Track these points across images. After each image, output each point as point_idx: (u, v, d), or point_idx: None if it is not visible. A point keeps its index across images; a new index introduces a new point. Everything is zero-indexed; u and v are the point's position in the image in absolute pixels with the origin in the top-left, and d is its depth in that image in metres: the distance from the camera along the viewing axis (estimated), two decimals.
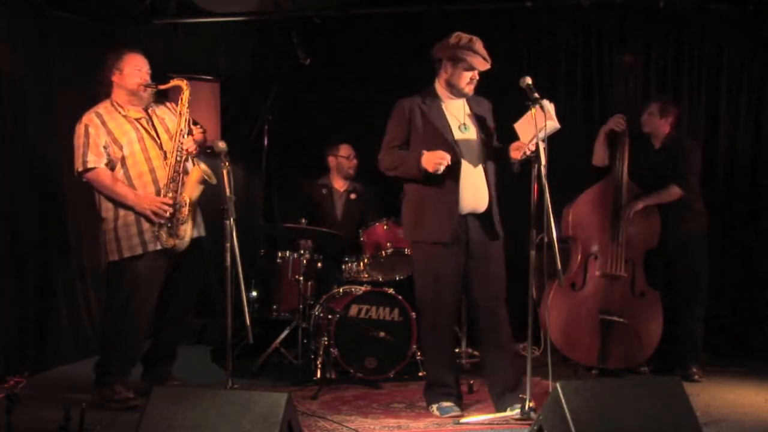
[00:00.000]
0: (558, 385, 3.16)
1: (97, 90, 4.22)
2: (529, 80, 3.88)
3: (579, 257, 4.94)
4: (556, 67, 5.96)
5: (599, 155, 5.05)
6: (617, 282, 4.86)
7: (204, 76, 5.90)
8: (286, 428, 3.07)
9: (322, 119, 6.18)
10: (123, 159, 4.10)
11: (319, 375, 4.71)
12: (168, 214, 4.07)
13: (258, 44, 6.29)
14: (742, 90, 5.77)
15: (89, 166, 4.06)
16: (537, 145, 3.74)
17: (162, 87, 4.25)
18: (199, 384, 4.58)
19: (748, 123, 5.76)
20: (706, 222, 4.99)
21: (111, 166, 4.10)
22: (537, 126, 3.75)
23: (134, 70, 4.14)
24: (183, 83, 4.21)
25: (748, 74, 5.75)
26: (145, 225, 4.08)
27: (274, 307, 5.35)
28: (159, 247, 4.10)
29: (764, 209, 5.68)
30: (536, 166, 3.74)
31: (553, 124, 3.80)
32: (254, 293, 5.54)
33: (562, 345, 4.87)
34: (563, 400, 3.11)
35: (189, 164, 4.20)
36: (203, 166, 4.19)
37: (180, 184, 4.13)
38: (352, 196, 5.75)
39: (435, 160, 3.87)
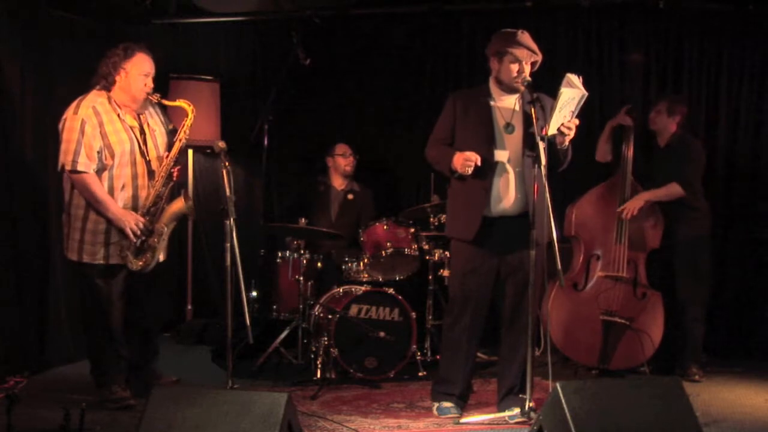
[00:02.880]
0: (558, 385, 3.16)
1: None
2: (529, 79, 3.89)
3: (581, 257, 4.94)
4: (556, 67, 5.95)
5: (602, 151, 5.06)
6: (619, 283, 4.85)
7: (204, 76, 5.90)
8: (286, 428, 3.07)
9: (322, 119, 6.18)
10: (111, 167, 4.00)
11: (319, 375, 4.71)
12: (143, 237, 4.00)
13: (258, 44, 6.28)
14: (742, 90, 5.76)
15: (79, 168, 3.94)
16: (537, 145, 3.74)
17: (167, 103, 4.16)
18: (199, 384, 4.59)
19: (748, 123, 5.76)
20: (709, 223, 4.99)
21: (99, 172, 4.00)
22: (537, 125, 3.76)
23: (140, 75, 4.02)
24: (189, 108, 4.12)
25: (748, 74, 5.75)
26: (114, 238, 3.99)
27: (274, 307, 5.35)
28: (119, 263, 4.02)
29: (764, 209, 5.68)
30: (536, 166, 3.73)
31: (577, 92, 3.76)
32: (254, 293, 5.54)
33: (563, 345, 4.87)
34: (563, 400, 3.11)
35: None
36: (189, 203, 4.11)
37: (160, 210, 4.05)
38: (350, 196, 5.75)
39: (462, 161, 3.84)
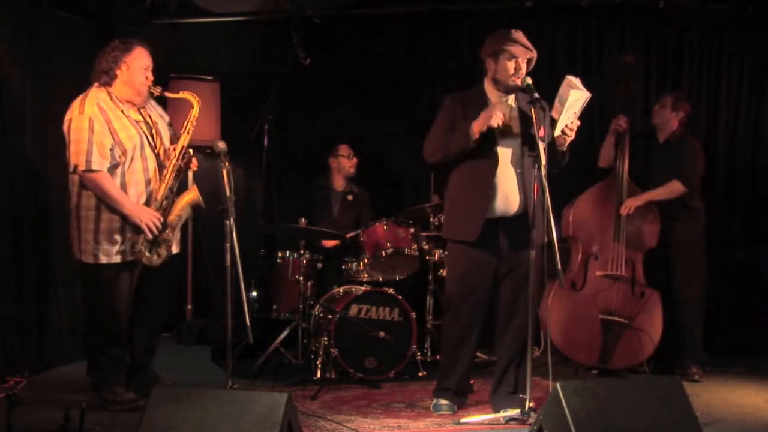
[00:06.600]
0: (558, 385, 3.16)
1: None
2: (529, 80, 3.89)
3: (579, 257, 4.95)
4: (556, 67, 5.95)
5: (605, 157, 5.04)
6: (618, 282, 4.85)
7: (204, 76, 5.90)
8: (286, 428, 3.07)
9: (322, 119, 6.18)
10: (123, 164, 3.97)
11: (319, 375, 4.72)
12: (158, 231, 3.98)
13: (258, 44, 6.28)
14: (742, 90, 5.77)
15: (93, 167, 3.87)
16: (537, 146, 3.73)
17: (170, 95, 4.17)
18: (199, 384, 4.58)
19: (748, 123, 5.76)
20: (704, 222, 5.00)
21: (111, 169, 3.96)
22: (537, 125, 3.76)
23: (141, 68, 4.01)
24: (195, 99, 4.11)
25: (748, 74, 5.75)
26: (128, 235, 3.96)
27: (274, 307, 5.35)
28: (133, 259, 3.99)
29: (764, 209, 5.68)
30: (536, 165, 3.73)
31: (584, 94, 3.79)
32: (254, 293, 5.54)
33: (563, 345, 4.87)
34: (563, 400, 3.11)
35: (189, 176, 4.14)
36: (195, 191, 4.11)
37: (171, 203, 4.04)
38: (350, 197, 5.75)
39: (485, 117, 3.79)
